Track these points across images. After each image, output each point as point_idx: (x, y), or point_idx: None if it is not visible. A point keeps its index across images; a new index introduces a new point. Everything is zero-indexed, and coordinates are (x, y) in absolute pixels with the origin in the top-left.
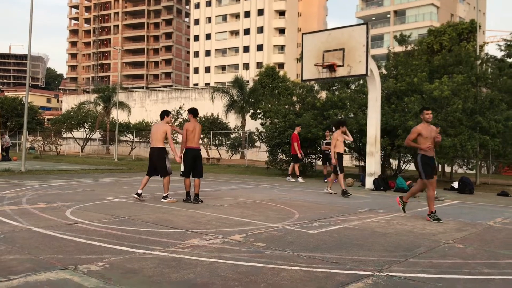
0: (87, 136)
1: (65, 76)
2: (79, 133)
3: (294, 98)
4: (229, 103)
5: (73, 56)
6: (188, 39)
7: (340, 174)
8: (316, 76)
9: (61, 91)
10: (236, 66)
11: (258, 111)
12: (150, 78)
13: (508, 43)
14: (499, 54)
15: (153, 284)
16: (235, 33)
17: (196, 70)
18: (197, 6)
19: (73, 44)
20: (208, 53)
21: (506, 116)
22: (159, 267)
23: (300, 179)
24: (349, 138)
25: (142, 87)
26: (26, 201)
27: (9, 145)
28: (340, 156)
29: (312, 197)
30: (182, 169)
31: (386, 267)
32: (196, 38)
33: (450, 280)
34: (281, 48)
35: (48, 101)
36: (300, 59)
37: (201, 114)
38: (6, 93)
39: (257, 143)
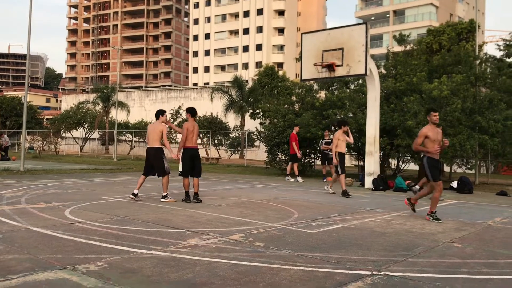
0: (86, 135)
1: (64, 76)
2: (78, 133)
3: (293, 98)
4: (228, 102)
5: (72, 55)
6: (187, 39)
7: (341, 175)
8: (315, 76)
9: (60, 91)
10: (235, 66)
11: (257, 110)
12: (149, 78)
13: (507, 43)
14: (498, 54)
15: (152, 284)
16: (234, 32)
17: (195, 70)
18: (196, 5)
19: (72, 43)
20: (207, 52)
21: (505, 116)
22: (158, 267)
23: (299, 178)
24: (350, 140)
25: (141, 87)
26: (25, 200)
27: (8, 145)
28: (342, 156)
29: (311, 196)
30: (180, 168)
31: (385, 267)
32: (195, 37)
33: (449, 279)
34: (281, 47)
35: (47, 100)
36: (299, 59)
37: (200, 113)
38: (5, 93)
39: (256, 143)
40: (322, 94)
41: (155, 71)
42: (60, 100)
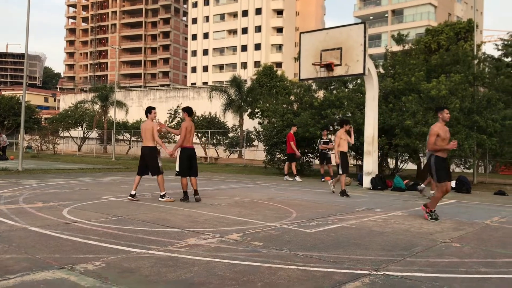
0: (85, 135)
1: (62, 75)
2: (77, 132)
3: (292, 97)
4: (227, 102)
5: (71, 55)
6: (186, 38)
7: (342, 175)
8: (313, 75)
9: (58, 90)
10: (234, 65)
11: (256, 110)
12: (148, 77)
13: (505, 42)
14: (497, 54)
15: (150, 284)
16: (233, 32)
17: (193, 69)
18: (195, 5)
19: (71, 43)
20: (206, 52)
21: (503, 116)
22: (156, 267)
23: (297, 178)
24: (351, 140)
25: (140, 86)
26: (23, 200)
27: (6, 144)
28: (344, 155)
29: (310, 196)
30: (177, 168)
31: (383, 266)
32: (194, 37)
33: (447, 279)
34: (279, 47)
35: (46, 100)
36: (297, 58)
37: (198, 113)
38: (3, 92)
39: (255, 142)
40: (321, 94)
41: (153, 70)
42: (59, 100)
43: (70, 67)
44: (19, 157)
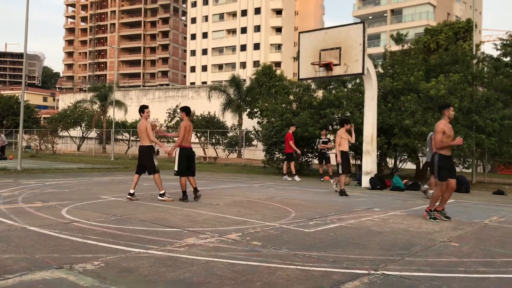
0: (84, 135)
1: (61, 75)
2: (76, 132)
3: (291, 97)
4: (226, 101)
5: (70, 54)
6: (185, 38)
7: (342, 175)
8: (312, 75)
9: (57, 90)
10: (233, 65)
11: (255, 110)
12: (147, 77)
13: (504, 42)
14: (495, 53)
15: (149, 283)
16: (232, 31)
17: (193, 69)
18: (194, 4)
19: (70, 42)
20: (205, 51)
21: (502, 115)
22: (155, 266)
23: (296, 177)
24: (351, 139)
25: (139, 86)
26: (22, 200)
27: (5, 144)
28: (345, 154)
29: (309, 195)
30: (176, 168)
31: (382, 266)
32: (193, 36)
33: (445, 278)
34: (278, 47)
35: (45, 99)
36: (297, 58)
37: (198, 113)
38: (2, 92)
39: (254, 142)
40: (320, 93)
41: (152, 70)
42: (58, 99)
43: (69, 66)
44: (18, 156)
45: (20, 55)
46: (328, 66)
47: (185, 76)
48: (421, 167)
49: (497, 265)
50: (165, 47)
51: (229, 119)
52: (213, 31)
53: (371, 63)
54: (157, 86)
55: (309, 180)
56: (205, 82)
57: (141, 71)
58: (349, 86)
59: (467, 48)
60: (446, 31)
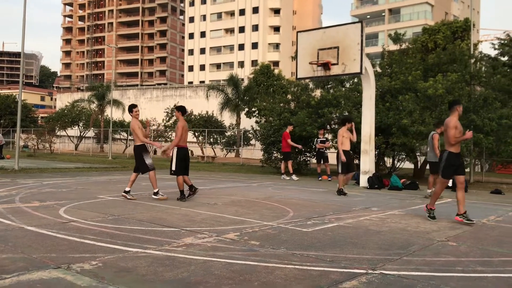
0: (81, 134)
1: (59, 74)
2: (73, 131)
3: (289, 96)
4: (224, 101)
5: (67, 53)
6: (183, 37)
7: (340, 175)
8: (310, 74)
9: (55, 89)
10: (231, 64)
11: (253, 109)
12: (145, 76)
13: (502, 41)
14: (493, 53)
15: (146, 283)
16: (230, 31)
17: (190, 68)
18: (192, 4)
19: (67, 41)
20: (202, 51)
21: (499, 115)
22: (152, 266)
23: (293, 177)
24: (353, 138)
25: (137, 85)
26: (19, 199)
27: (2, 143)
28: (346, 154)
29: (307, 195)
30: (173, 168)
31: (380, 265)
32: (191, 36)
33: (443, 278)
34: (276, 46)
35: (42, 99)
36: (295, 57)
37: (195, 112)
38: None
39: (252, 141)
40: (318, 93)
41: (150, 69)
42: (55, 99)
43: (67, 65)
44: (15, 156)
45: (17, 54)
46: (326, 66)
47: (183, 75)
48: (419, 166)
49: (494, 264)
50: (163, 46)
51: (227, 118)
52: (211, 30)
53: (369, 62)
54: (155, 85)
55: (307, 180)
56: (203, 82)
57: (139, 70)
58: (347, 85)
59: (465, 48)
60: (444, 31)
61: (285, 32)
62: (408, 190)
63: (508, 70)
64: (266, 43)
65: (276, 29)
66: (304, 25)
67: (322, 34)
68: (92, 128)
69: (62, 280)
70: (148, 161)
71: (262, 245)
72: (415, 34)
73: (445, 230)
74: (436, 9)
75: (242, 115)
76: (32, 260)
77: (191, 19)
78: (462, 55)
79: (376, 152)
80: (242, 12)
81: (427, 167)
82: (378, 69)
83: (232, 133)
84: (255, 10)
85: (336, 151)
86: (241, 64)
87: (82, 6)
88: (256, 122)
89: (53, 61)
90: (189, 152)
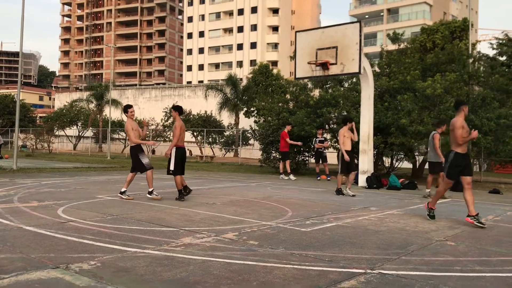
0: (80, 134)
1: (57, 74)
2: (72, 131)
3: (288, 96)
4: (223, 101)
5: (66, 53)
6: (182, 37)
7: (339, 175)
8: (309, 74)
9: (53, 89)
10: (229, 64)
11: (252, 109)
12: (143, 76)
13: (500, 41)
14: (491, 53)
15: (145, 283)
16: (229, 30)
17: (189, 68)
18: (191, 3)
19: (66, 41)
20: (201, 50)
21: (498, 114)
22: (151, 266)
23: (291, 176)
24: (354, 137)
25: (135, 85)
26: (17, 199)
27: (0, 143)
28: (347, 154)
29: (305, 195)
30: (172, 167)
31: (378, 265)
32: (190, 35)
33: (442, 277)
34: (275, 46)
35: (41, 98)
36: (293, 57)
37: (194, 112)
38: None
39: (251, 141)
40: (316, 93)
41: (149, 69)
42: (54, 98)
43: (65, 65)
44: (13, 156)
45: (15, 54)
46: (324, 65)
47: (181, 75)
48: (417, 166)
49: (492, 264)
50: (161, 46)
51: (226, 118)
52: (209, 30)
53: (368, 62)
54: (153, 85)
55: (305, 179)
56: (201, 81)
57: (137, 70)
58: (346, 85)
59: (463, 47)
60: (442, 30)
61: (284, 32)
62: (407, 190)
63: (506, 69)
64: (264, 43)
65: (275, 29)
66: (302, 25)
67: (320, 34)
68: (90, 128)
69: (61, 280)
70: (145, 160)
71: (260, 245)
72: (414, 34)
73: (443, 230)
74: (434, 9)
75: (241, 114)
76: (30, 260)
77: (190, 19)
78: (461, 55)
79: (375, 152)
80: (240, 12)
81: (426, 166)
82: (377, 69)
83: (231, 133)
84: (254, 10)
85: (336, 151)
86: (240, 64)
87: (80, 6)
88: (255, 121)
89: (51, 60)
90: (187, 152)
